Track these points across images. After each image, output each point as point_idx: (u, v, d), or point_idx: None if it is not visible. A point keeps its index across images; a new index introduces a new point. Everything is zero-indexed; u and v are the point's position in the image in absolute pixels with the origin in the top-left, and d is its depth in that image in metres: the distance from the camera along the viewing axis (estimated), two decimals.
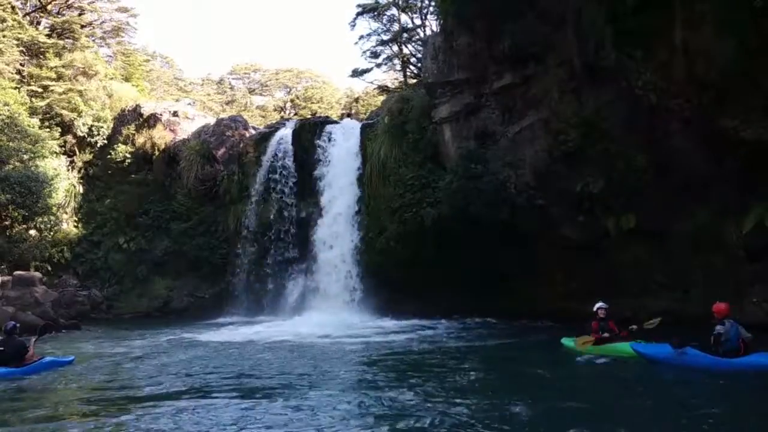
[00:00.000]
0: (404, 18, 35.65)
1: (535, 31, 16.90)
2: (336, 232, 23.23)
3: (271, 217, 24.76)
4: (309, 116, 42.14)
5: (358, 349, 13.96)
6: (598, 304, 12.47)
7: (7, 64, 26.60)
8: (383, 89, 40.02)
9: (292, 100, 57.37)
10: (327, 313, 20.93)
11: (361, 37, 36.05)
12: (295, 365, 11.68)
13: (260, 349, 14.18)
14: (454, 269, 19.47)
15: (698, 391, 8.81)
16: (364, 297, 21.93)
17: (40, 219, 24.34)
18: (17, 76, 27.43)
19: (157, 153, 27.79)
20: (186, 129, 28.72)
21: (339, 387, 9.38)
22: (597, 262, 17.27)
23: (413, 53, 35.99)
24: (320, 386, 9.38)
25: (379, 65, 38.15)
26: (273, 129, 27.76)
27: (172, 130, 28.56)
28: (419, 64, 33.13)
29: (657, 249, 16.21)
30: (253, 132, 28.13)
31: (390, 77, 41.89)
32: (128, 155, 28.01)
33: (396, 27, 35.94)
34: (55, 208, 25.05)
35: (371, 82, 41.94)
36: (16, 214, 23.64)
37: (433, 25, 32.21)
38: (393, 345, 14.57)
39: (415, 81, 31.72)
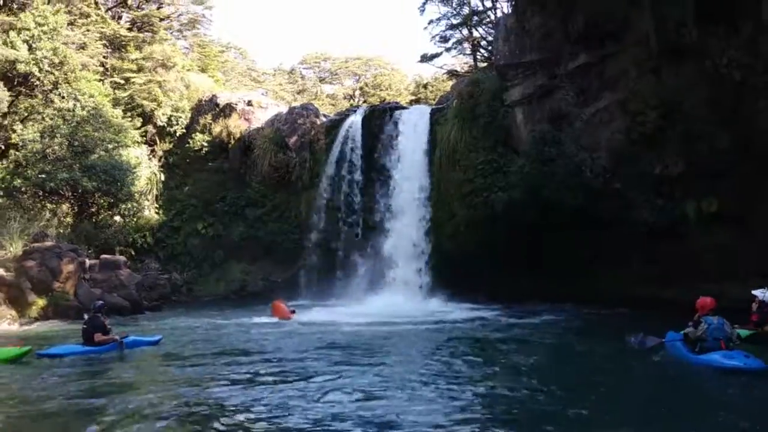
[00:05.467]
0: (474, 0, 35.14)
1: (611, 8, 16.37)
2: (405, 217, 23.30)
3: (341, 202, 25.08)
4: (378, 103, 42.26)
5: (431, 334, 14.06)
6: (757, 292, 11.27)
7: (92, 57, 27.77)
8: (453, 74, 39.61)
9: (361, 88, 57.66)
10: (396, 297, 21.08)
11: (431, 21, 35.89)
12: (368, 348, 11.85)
13: (332, 331, 14.46)
14: (524, 255, 19.19)
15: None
16: (432, 282, 21.95)
17: (124, 206, 25.37)
18: (101, 69, 28.64)
19: (232, 141, 28.57)
20: (260, 118, 29.35)
21: (421, 373, 9.25)
22: (675, 247, 16.69)
23: (483, 36, 35.41)
24: (400, 372, 9.34)
25: (448, 50, 37.66)
26: (343, 116, 28.07)
27: (247, 119, 29.26)
28: (490, 47, 32.62)
29: (741, 233, 15.51)
30: (324, 119, 28.47)
31: (459, 62, 41.35)
32: (205, 144, 28.90)
33: (466, 10, 35.40)
34: (137, 195, 26.05)
35: (440, 67, 41.60)
36: (102, 201, 24.76)
37: (504, 6, 31.64)
38: (466, 330, 14.61)
39: (485, 64, 31.27)
